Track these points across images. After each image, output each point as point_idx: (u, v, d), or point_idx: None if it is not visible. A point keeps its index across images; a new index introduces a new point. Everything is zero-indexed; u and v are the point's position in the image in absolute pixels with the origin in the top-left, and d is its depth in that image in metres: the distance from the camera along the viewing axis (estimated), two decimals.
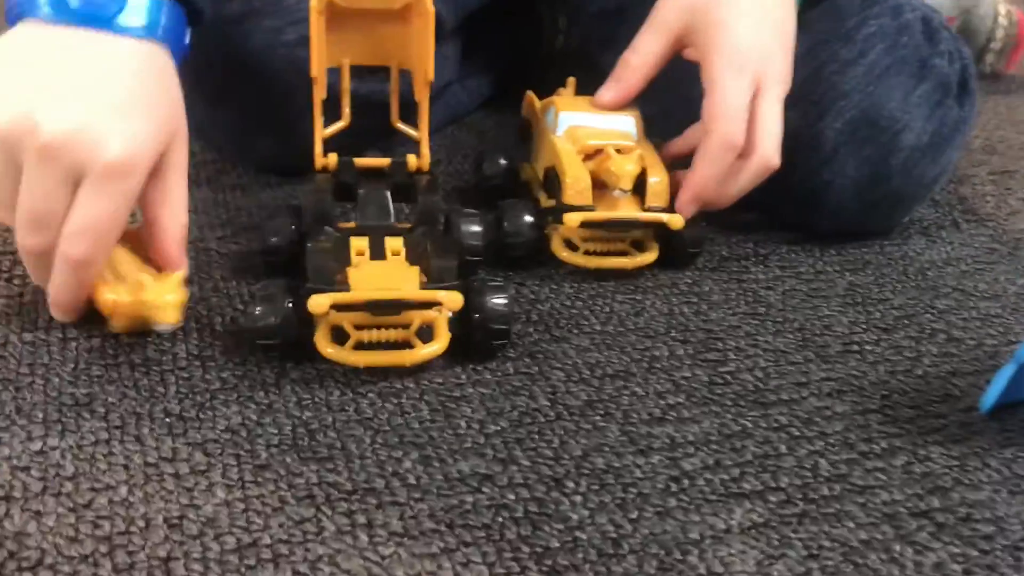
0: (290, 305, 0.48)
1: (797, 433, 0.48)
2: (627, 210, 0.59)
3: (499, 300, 0.50)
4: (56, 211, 0.46)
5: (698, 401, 0.50)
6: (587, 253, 0.59)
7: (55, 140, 0.44)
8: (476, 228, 0.57)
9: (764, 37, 0.59)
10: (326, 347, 0.48)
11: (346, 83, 0.58)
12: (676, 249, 0.61)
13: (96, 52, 0.47)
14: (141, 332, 0.50)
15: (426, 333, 0.49)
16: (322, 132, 0.57)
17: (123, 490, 0.41)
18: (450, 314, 0.49)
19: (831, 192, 0.63)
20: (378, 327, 0.49)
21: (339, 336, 0.49)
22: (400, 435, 0.46)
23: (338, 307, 0.47)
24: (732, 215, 0.66)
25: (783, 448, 0.47)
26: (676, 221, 0.58)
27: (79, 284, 0.48)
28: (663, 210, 0.59)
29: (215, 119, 0.65)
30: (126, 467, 0.42)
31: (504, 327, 0.50)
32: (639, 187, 0.59)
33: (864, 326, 0.58)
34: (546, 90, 0.67)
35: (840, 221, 0.66)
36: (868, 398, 0.51)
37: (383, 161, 0.59)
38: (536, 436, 0.46)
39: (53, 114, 0.44)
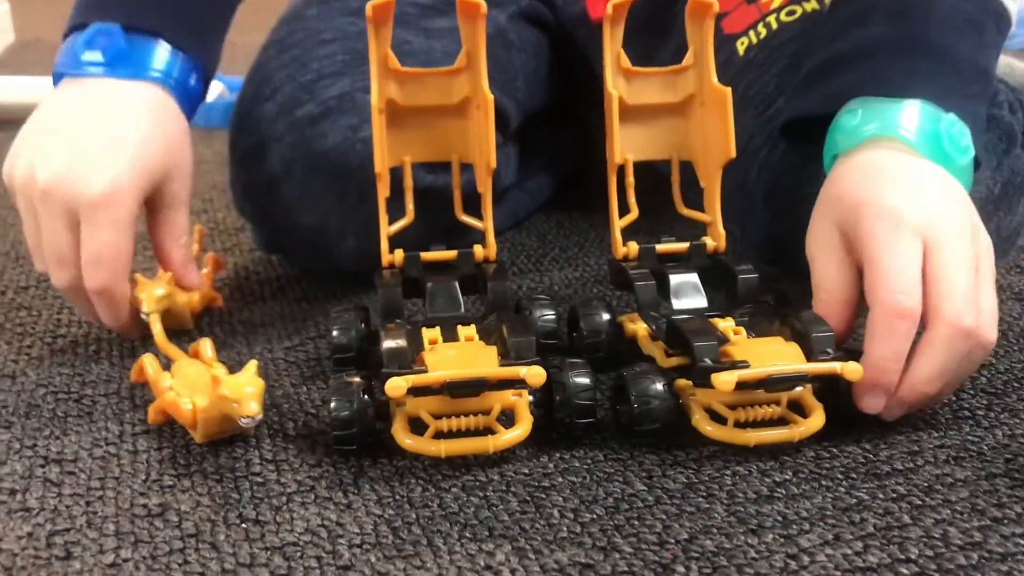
0: (365, 396, 0.46)
1: (919, 502, 0.44)
2: (790, 361, 0.47)
3: (582, 377, 0.48)
4: (67, 247, 0.53)
5: (806, 476, 0.46)
6: (737, 424, 0.48)
7: (48, 184, 0.53)
8: (550, 312, 0.56)
9: (920, 197, 0.49)
10: (404, 438, 0.46)
11: (408, 180, 0.58)
12: (846, 406, 0.49)
13: (99, 99, 0.56)
14: (213, 441, 0.48)
15: (507, 420, 0.47)
16: (387, 230, 0.56)
17: None
18: (531, 397, 0.47)
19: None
20: (457, 415, 0.47)
21: (417, 427, 0.46)
22: (489, 528, 0.42)
23: (416, 390, 0.44)
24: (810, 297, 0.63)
25: (906, 518, 0.43)
26: (854, 371, 0.46)
27: (115, 308, 0.55)
28: (834, 358, 0.47)
29: (294, 226, 0.65)
30: (202, 574, 0.39)
31: (589, 403, 0.47)
32: (799, 333, 0.49)
33: (971, 392, 0.54)
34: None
35: None
36: (990, 463, 0.47)
37: (449, 254, 0.57)
38: (636, 522, 0.43)
39: (45, 162, 0.53)
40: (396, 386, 0.43)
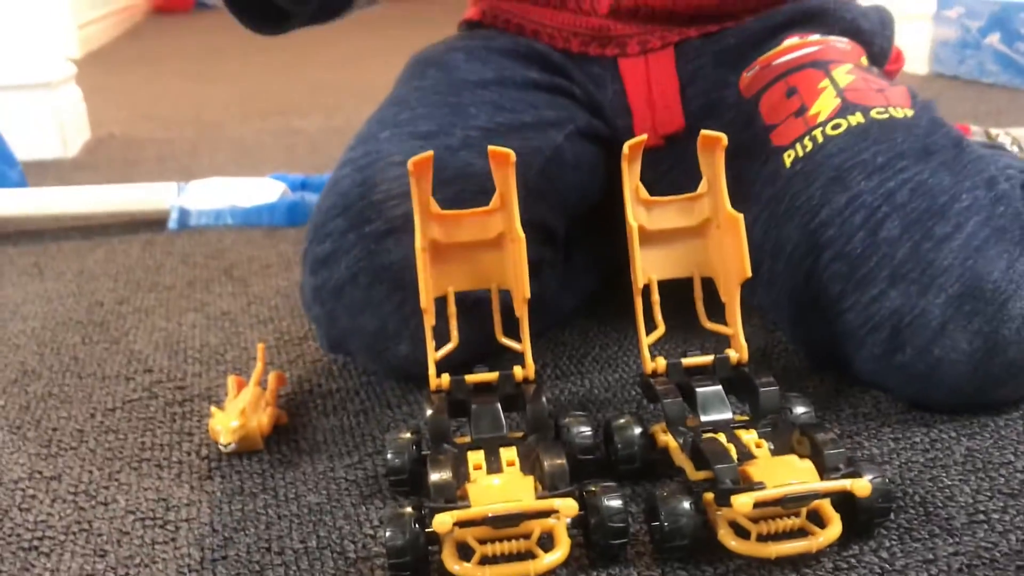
0: (416, 526, 0.51)
1: None
2: (803, 481, 0.51)
3: (614, 501, 0.52)
4: None
5: None
6: (760, 538, 0.51)
7: None
8: (585, 428, 0.60)
9: None
10: (453, 564, 0.50)
11: (452, 309, 0.63)
12: (861, 519, 0.53)
13: None
14: (282, 565, 0.54)
15: (547, 540, 0.52)
16: (434, 356, 0.62)
17: None
18: (568, 520, 0.52)
19: (944, 368, 0.63)
20: (500, 539, 0.51)
21: (464, 550, 0.51)
22: None
23: (461, 523, 0.49)
24: (841, 394, 0.67)
25: None
26: (863, 488, 0.50)
27: None
28: (846, 474, 0.52)
29: (357, 328, 0.71)
30: None
31: (622, 526, 0.52)
32: (814, 448, 0.53)
33: (988, 493, 0.57)
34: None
35: (960, 396, 0.65)
36: (1002, 571, 0.50)
37: (491, 376, 0.62)
38: None
39: None
40: (442, 522, 0.49)
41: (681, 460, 0.59)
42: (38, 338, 0.89)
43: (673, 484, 0.54)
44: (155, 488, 0.63)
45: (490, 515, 0.49)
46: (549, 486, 0.52)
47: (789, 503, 0.50)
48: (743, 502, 0.49)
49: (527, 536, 0.51)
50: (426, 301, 0.60)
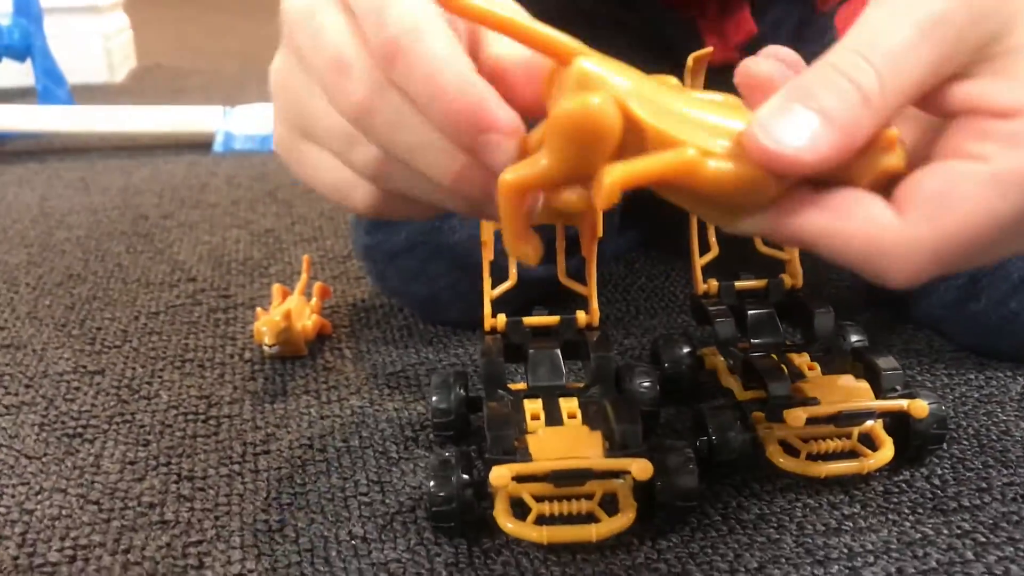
0: (464, 476, 0.47)
1: (983, 539, 0.47)
2: (859, 399, 0.50)
3: (686, 466, 0.47)
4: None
5: (874, 511, 0.49)
6: (810, 457, 0.50)
7: None
8: (648, 382, 0.55)
9: None
10: (506, 522, 0.46)
11: None
12: (915, 443, 0.52)
13: None
14: (324, 461, 0.54)
15: (609, 501, 0.47)
16: (491, 293, 0.57)
17: None
18: (632, 482, 0.47)
19: (1018, 323, 0.61)
20: (559, 498, 0.46)
21: (518, 507, 0.47)
22: (573, 554, 0.46)
23: (519, 478, 0.45)
24: (895, 331, 0.65)
25: (969, 555, 0.45)
26: (920, 408, 0.49)
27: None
28: (902, 395, 0.50)
29: (405, 291, 0.70)
30: None
31: (693, 487, 0.46)
32: (870, 369, 0.52)
33: None
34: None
35: None
36: None
37: (552, 319, 0.57)
38: (710, 550, 0.46)
39: None
40: (500, 475, 0.44)
41: (729, 382, 0.58)
42: (83, 246, 0.90)
43: (722, 399, 0.53)
44: (198, 386, 0.63)
45: (554, 471, 0.45)
46: (619, 444, 0.46)
47: (843, 420, 0.49)
48: (796, 416, 0.48)
49: (589, 497, 0.46)
50: (486, 235, 0.56)
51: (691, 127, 0.31)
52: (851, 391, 0.51)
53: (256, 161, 1.18)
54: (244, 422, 0.59)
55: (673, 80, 0.35)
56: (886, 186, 0.31)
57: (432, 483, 0.47)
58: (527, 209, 0.33)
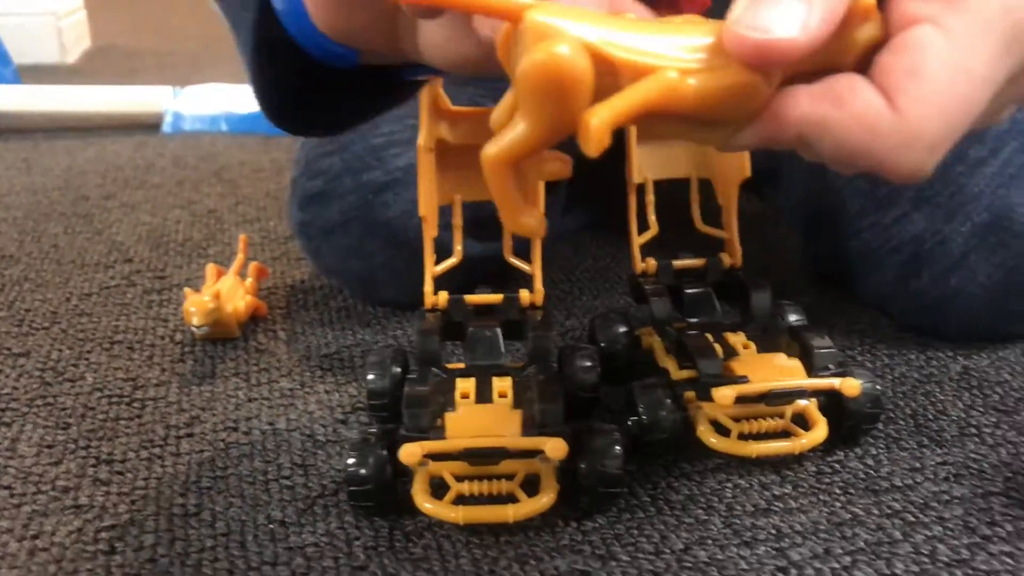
0: (384, 454, 0.46)
1: (913, 519, 0.46)
2: (791, 377, 0.49)
3: (611, 449, 0.46)
4: None
5: (805, 491, 0.48)
6: (741, 437, 0.49)
7: None
8: (589, 363, 0.53)
9: None
10: (424, 502, 0.44)
11: (458, 220, 0.56)
12: (848, 423, 0.51)
13: None
14: (248, 444, 0.52)
15: (533, 484, 0.45)
16: (433, 270, 0.55)
17: None
18: (557, 463, 0.45)
19: (960, 299, 0.60)
20: (480, 478, 0.45)
21: (440, 488, 0.45)
22: (496, 536, 0.45)
23: (432, 456, 0.44)
24: (839, 312, 0.65)
25: (898, 534, 0.45)
26: (852, 387, 0.48)
27: None
28: (835, 374, 0.50)
29: (342, 268, 0.68)
30: (230, 572, 0.43)
31: (618, 473, 0.45)
32: (804, 348, 0.52)
33: (982, 409, 0.55)
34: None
35: (972, 329, 0.62)
36: (989, 481, 0.49)
37: (495, 297, 0.55)
38: (636, 531, 0.45)
39: None
40: (410, 453, 0.43)
41: (665, 362, 0.57)
42: (20, 227, 0.87)
43: (654, 378, 0.52)
44: (125, 368, 0.61)
45: (466, 449, 0.44)
46: (539, 424, 0.45)
47: (773, 399, 0.48)
48: (724, 394, 0.47)
49: (510, 477, 0.45)
50: (425, 209, 0.53)
51: (663, 51, 0.29)
52: (783, 370, 0.50)
53: (204, 141, 1.16)
54: (169, 404, 0.57)
55: (630, 14, 0.33)
56: (867, 60, 0.30)
57: (351, 460, 0.45)
58: (520, 180, 0.32)
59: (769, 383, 0.48)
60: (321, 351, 0.63)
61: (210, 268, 0.68)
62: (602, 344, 0.58)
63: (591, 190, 0.84)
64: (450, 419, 0.45)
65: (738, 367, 0.50)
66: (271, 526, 0.46)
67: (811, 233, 0.70)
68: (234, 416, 0.56)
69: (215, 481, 0.50)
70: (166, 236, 0.84)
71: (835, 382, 0.48)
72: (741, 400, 0.48)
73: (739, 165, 0.58)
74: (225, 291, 0.64)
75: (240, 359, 0.62)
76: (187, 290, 0.62)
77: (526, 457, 0.45)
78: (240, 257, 0.70)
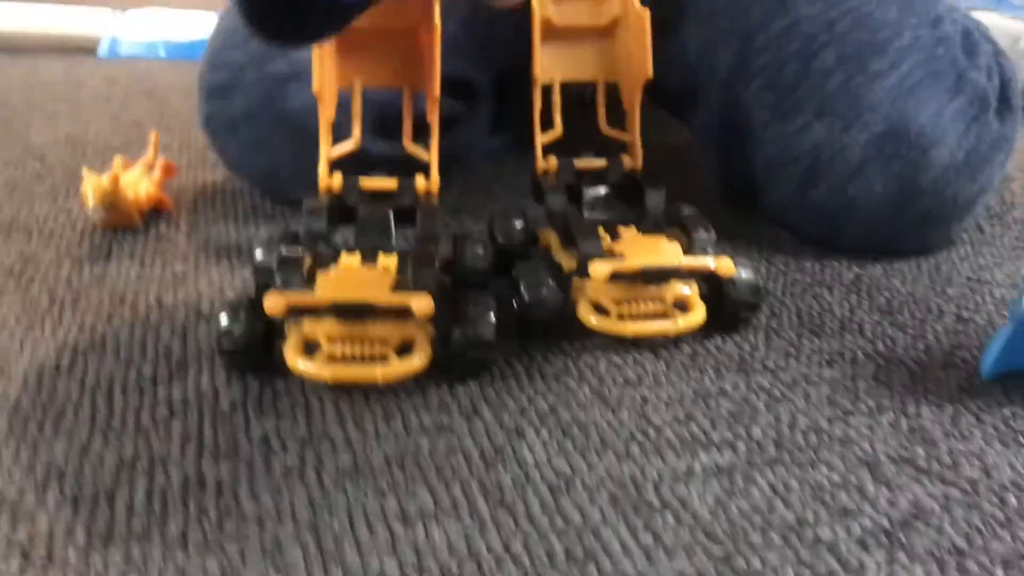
0: (257, 312, 0.45)
1: (779, 395, 0.47)
2: (668, 257, 0.50)
3: (484, 316, 0.46)
4: None
5: (678, 369, 0.49)
6: (621, 319, 0.50)
7: None
8: (480, 250, 0.54)
9: None
10: (294, 359, 0.44)
11: (357, 105, 0.56)
12: (728, 310, 0.52)
13: None
14: (131, 314, 0.52)
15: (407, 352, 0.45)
16: (329, 154, 0.55)
17: (84, 435, 0.42)
18: (433, 331, 0.46)
19: (857, 208, 0.61)
20: (355, 341, 0.45)
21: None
22: (366, 395, 0.46)
23: (298, 309, 0.43)
24: (741, 229, 0.65)
25: (761, 406, 0.46)
26: (726, 267, 0.50)
27: None
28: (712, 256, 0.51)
29: (247, 164, 0.68)
30: (92, 418, 0.43)
31: (489, 339, 0.46)
32: (685, 233, 0.53)
33: (867, 309, 0.56)
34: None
35: (868, 240, 0.63)
36: (861, 367, 0.49)
37: (390, 182, 0.54)
38: (505, 394, 0.46)
39: None
40: (274, 303, 0.42)
41: (561, 256, 0.57)
42: None
43: (537, 260, 0.52)
44: (20, 250, 0.61)
45: (332, 302, 0.43)
46: (411, 284, 0.45)
47: (649, 277, 0.49)
48: (599, 268, 0.47)
49: (385, 342, 0.45)
50: (319, 84, 0.53)
51: None
52: (662, 250, 0.50)
53: (140, 65, 1.15)
54: (58, 280, 0.57)
55: None
56: None
57: (223, 317, 0.45)
58: None
59: (645, 261, 0.49)
60: (220, 241, 0.63)
61: (117, 159, 0.68)
62: (499, 239, 0.59)
63: (517, 111, 0.84)
64: (322, 278, 0.45)
65: (618, 247, 0.50)
66: (141, 382, 0.46)
67: (722, 150, 0.70)
68: (122, 291, 0.55)
69: (92, 345, 0.49)
70: (86, 142, 0.83)
71: (710, 262, 0.49)
72: (618, 277, 0.48)
73: (641, 67, 0.59)
74: (128, 181, 0.63)
75: (138, 245, 0.62)
76: (86, 170, 0.62)
77: (397, 316, 0.44)
78: (150, 152, 0.70)
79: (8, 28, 1.21)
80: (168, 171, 0.70)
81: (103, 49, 1.20)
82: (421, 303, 0.43)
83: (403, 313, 0.43)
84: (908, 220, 0.61)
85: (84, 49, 1.21)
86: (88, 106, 0.95)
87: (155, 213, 0.67)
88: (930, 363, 0.50)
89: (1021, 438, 0.44)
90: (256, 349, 0.46)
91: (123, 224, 0.64)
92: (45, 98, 0.98)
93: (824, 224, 0.63)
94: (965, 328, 0.54)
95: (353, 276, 0.46)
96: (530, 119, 0.60)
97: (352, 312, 0.44)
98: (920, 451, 0.42)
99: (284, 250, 0.47)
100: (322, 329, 0.45)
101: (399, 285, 0.45)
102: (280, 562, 0.35)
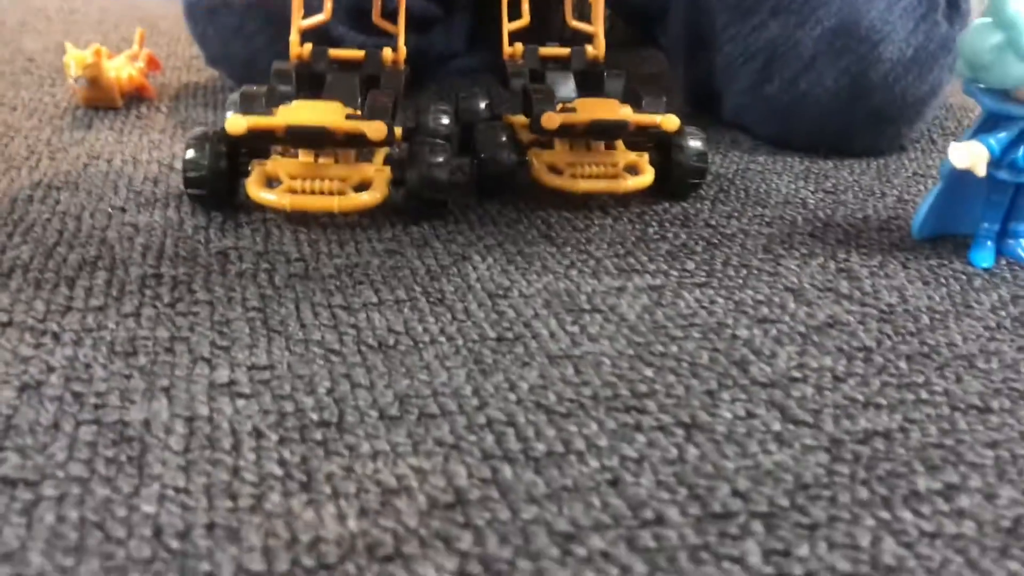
0: (221, 146, 0.48)
1: (716, 242, 0.49)
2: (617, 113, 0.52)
3: (438, 156, 0.48)
4: None
5: (624, 223, 0.51)
6: (574, 178, 0.52)
7: None
8: (445, 117, 0.55)
9: None
10: (256, 190, 0.46)
11: None
12: (675, 176, 0.54)
13: None
14: (107, 166, 0.54)
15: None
16: (299, 24, 0.56)
17: (51, 243, 0.44)
18: (390, 173, 0.48)
19: (809, 103, 0.63)
20: (316, 179, 0.47)
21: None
22: (324, 227, 0.48)
23: (257, 132, 0.46)
24: (710, 134, 0.68)
25: (699, 249, 0.48)
26: (671, 122, 0.52)
27: None
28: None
29: (226, 53, 0.70)
30: (60, 233, 0.45)
31: (444, 179, 0.48)
32: (635, 100, 0.55)
33: (812, 190, 0.58)
34: None
35: (820, 137, 0.65)
36: (798, 229, 0.52)
37: (358, 53, 0.57)
38: (455, 232, 0.48)
39: None
40: (235, 124, 0.45)
41: (523, 134, 0.59)
42: None
43: (497, 124, 0.55)
44: (4, 120, 0.63)
45: (289, 125, 0.45)
46: (366, 114, 0.47)
47: (598, 129, 0.51)
48: (551, 118, 0.50)
49: (344, 180, 0.47)
50: None
51: None
52: (612, 109, 0.53)
53: None
54: (38, 141, 0.59)
55: None
56: None
57: (188, 150, 0.48)
58: None
59: (594, 114, 0.51)
60: (198, 120, 0.65)
61: (103, 50, 0.70)
62: (465, 117, 0.61)
63: (496, 33, 0.86)
64: (282, 109, 0.48)
65: (571, 106, 0.53)
66: (110, 210, 0.48)
67: (687, 58, 0.73)
68: (99, 152, 0.58)
69: (65, 184, 0.52)
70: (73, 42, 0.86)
71: (656, 118, 0.51)
72: (566, 132, 0.51)
73: None
74: (112, 64, 0.66)
75: (118, 120, 0.64)
76: (68, 44, 0.64)
77: (350, 145, 0.47)
78: (136, 48, 0.72)
79: None
80: (152, 63, 0.72)
81: None
82: (376, 129, 0.45)
83: (358, 140, 0.46)
84: (859, 117, 0.64)
85: None
86: (79, 25, 0.98)
87: (138, 99, 0.69)
88: (865, 227, 0.52)
89: (943, 279, 0.46)
90: (219, 179, 0.48)
91: (105, 102, 0.66)
92: (39, 20, 1.01)
93: (778, 120, 0.65)
94: (904, 207, 0.56)
95: (311, 107, 0.48)
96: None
97: (308, 137, 0.46)
98: (844, 283, 0.45)
99: (244, 87, 0.49)
100: (284, 167, 0.47)
101: (353, 116, 0.47)
102: (227, 333, 0.37)
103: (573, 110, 0.52)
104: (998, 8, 0.43)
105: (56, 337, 0.36)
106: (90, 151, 0.57)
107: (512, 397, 0.33)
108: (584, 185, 0.52)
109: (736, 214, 0.53)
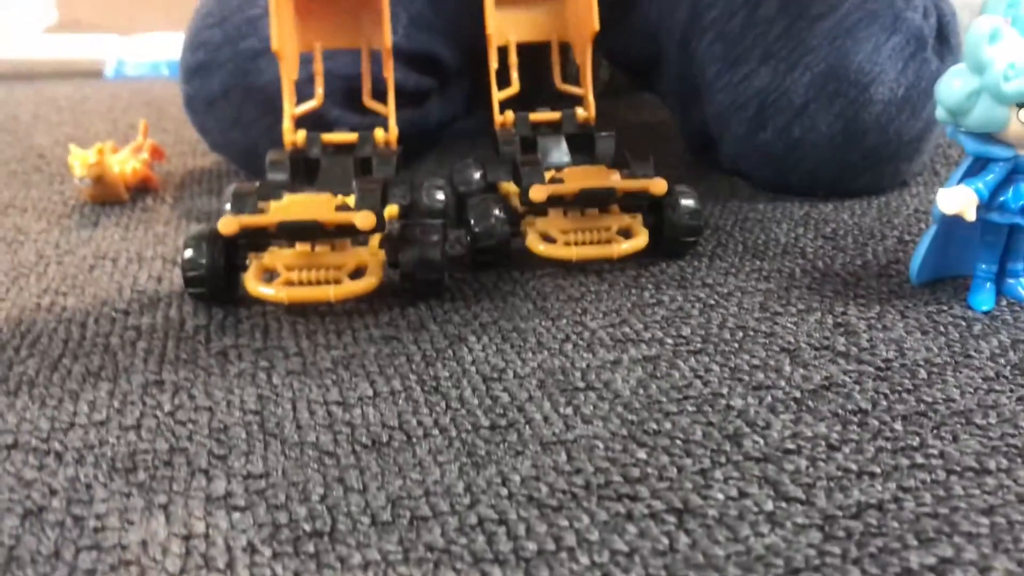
0: (219, 244, 0.48)
1: (713, 303, 0.49)
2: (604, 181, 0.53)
3: (432, 237, 0.49)
4: None
5: (620, 288, 0.51)
6: (567, 246, 0.53)
7: None
8: (437, 193, 0.58)
9: None
10: (254, 285, 0.47)
11: (318, 65, 0.60)
12: (669, 236, 0.54)
13: None
14: (110, 266, 0.56)
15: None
16: (292, 112, 0.58)
17: (56, 354, 0.45)
18: (384, 257, 0.49)
19: (804, 149, 0.64)
20: (311, 268, 0.48)
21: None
22: (322, 317, 0.48)
23: (249, 230, 0.47)
24: (701, 179, 0.68)
25: (695, 312, 0.48)
26: (659, 186, 0.52)
27: None
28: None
29: (228, 142, 0.72)
30: (65, 342, 0.46)
31: (439, 259, 0.49)
32: (623, 164, 0.56)
33: (812, 237, 0.58)
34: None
35: (818, 181, 0.65)
36: (797, 280, 0.52)
37: (350, 136, 0.58)
38: (451, 311, 0.49)
39: None
40: (228, 225, 0.46)
41: (514, 200, 0.60)
42: None
43: (488, 196, 0.55)
44: (15, 224, 0.65)
45: (280, 222, 0.46)
46: (355, 208, 0.48)
47: (586, 198, 0.52)
48: (538, 190, 0.50)
49: (339, 268, 0.48)
50: (278, 44, 0.56)
51: None
52: (601, 177, 0.53)
53: (144, 83, 1.20)
54: (47, 244, 0.60)
55: None
56: None
57: (186, 249, 0.49)
58: None
59: (582, 183, 0.51)
60: (203, 209, 0.67)
61: (109, 144, 0.72)
62: (460, 188, 0.62)
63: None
64: (274, 205, 0.49)
65: (560, 176, 0.53)
66: (113, 314, 0.49)
67: (682, 107, 0.73)
68: (105, 251, 0.59)
69: (72, 288, 0.53)
70: (83, 143, 0.88)
71: (644, 182, 0.52)
72: (556, 202, 0.51)
73: (588, 21, 0.62)
74: (116, 158, 0.67)
75: (124, 215, 0.66)
76: (72, 145, 0.66)
77: (342, 236, 0.48)
78: (140, 139, 0.74)
79: (20, 56, 1.27)
80: (156, 153, 0.74)
81: (109, 71, 1.26)
82: (364, 218, 0.46)
83: (349, 230, 0.47)
84: (855, 158, 0.64)
85: (92, 73, 1.26)
86: (89, 115, 1.00)
87: (143, 191, 0.70)
88: (865, 274, 0.52)
89: (941, 328, 0.46)
90: (218, 277, 0.49)
91: (111, 197, 0.67)
92: (49, 109, 1.03)
93: (774, 166, 0.66)
94: (904, 248, 0.56)
95: (302, 201, 0.49)
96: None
97: (300, 232, 0.47)
98: (841, 339, 0.44)
99: (235, 185, 0.50)
100: (280, 259, 0.48)
101: (342, 207, 0.48)
102: (225, 440, 0.38)
103: (561, 180, 0.52)
104: (973, 53, 0.43)
105: (59, 457, 0.37)
106: (96, 251, 0.59)
107: (504, 492, 0.33)
108: (577, 252, 0.52)
109: (733, 270, 0.53)
